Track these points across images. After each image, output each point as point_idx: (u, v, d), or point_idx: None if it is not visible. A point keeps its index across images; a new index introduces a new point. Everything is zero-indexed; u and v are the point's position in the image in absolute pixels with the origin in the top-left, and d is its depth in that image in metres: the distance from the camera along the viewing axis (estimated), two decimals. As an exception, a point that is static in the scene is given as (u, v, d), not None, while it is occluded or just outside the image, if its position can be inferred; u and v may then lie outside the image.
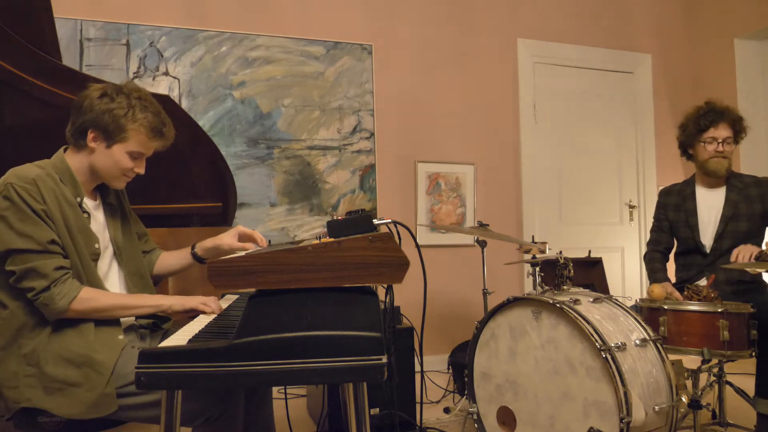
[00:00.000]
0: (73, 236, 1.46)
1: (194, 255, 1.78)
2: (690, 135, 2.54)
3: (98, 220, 1.60)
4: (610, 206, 4.30)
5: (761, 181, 2.50)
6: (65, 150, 1.57)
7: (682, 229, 2.58)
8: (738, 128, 2.49)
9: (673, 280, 2.60)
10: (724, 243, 2.43)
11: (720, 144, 2.45)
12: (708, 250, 2.48)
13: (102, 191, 1.65)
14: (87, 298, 1.41)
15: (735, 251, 2.27)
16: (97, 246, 1.53)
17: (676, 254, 2.66)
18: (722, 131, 2.46)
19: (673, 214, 2.62)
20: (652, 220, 2.75)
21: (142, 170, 1.59)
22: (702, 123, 2.49)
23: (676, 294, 2.35)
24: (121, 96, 1.51)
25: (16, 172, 1.42)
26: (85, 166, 1.54)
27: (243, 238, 1.74)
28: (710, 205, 2.52)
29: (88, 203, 1.56)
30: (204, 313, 1.51)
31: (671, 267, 2.63)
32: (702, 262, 2.49)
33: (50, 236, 1.40)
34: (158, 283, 1.84)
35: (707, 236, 2.51)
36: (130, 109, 1.50)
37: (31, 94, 1.92)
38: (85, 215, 1.52)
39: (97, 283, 1.50)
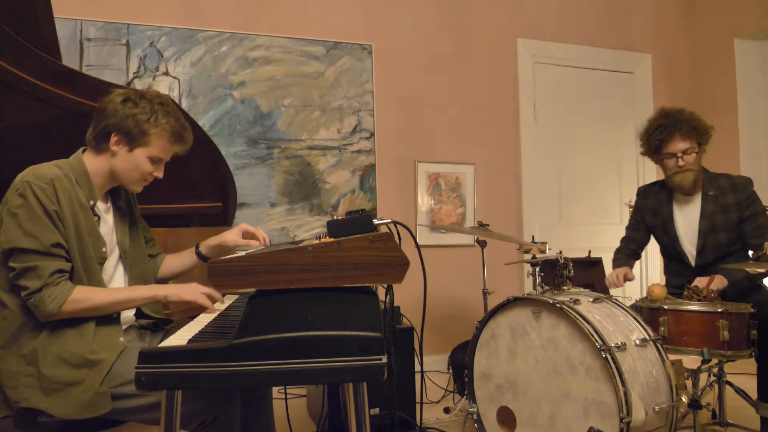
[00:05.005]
0: (82, 239, 1.46)
1: (199, 254, 1.78)
2: (649, 152, 2.42)
3: (108, 224, 1.60)
4: (609, 206, 4.30)
5: (737, 184, 2.35)
6: (83, 151, 1.57)
7: (661, 235, 2.53)
8: (698, 134, 2.31)
9: (663, 281, 2.58)
10: (708, 257, 2.38)
11: (680, 158, 2.31)
12: (691, 262, 2.43)
13: (113, 195, 1.65)
14: (79, 299, 1.40)
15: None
16: (104, 250, 1.53)
17: (663, 256, 2.63)
18: (678, 144, 2.30)
19: (651, 218, 2.55)
20: (629, 218, 2.70)
21: (160, 174, 1.61)
22: (654, 140, 2.35)
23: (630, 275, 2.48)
24: (144, 101, 1.53)
25: (35, 170, 1.42)
26: (104, 169, 1.55)
27: (247, 236, 1.74)
28: (687, 216, 2.44)
29: (100, 206, 1.56)
30: (201, 305, 1.50)
31: (658, 267, 2.61)
32: (688, 273, 2.42)
33: (55, 239, 1.40)
34: None
35: (686, 244, 2.44)
36: (153, 114, 1.52)
37: (31, 94, 1.91)
38: (96, 218, 1.53)
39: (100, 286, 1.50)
